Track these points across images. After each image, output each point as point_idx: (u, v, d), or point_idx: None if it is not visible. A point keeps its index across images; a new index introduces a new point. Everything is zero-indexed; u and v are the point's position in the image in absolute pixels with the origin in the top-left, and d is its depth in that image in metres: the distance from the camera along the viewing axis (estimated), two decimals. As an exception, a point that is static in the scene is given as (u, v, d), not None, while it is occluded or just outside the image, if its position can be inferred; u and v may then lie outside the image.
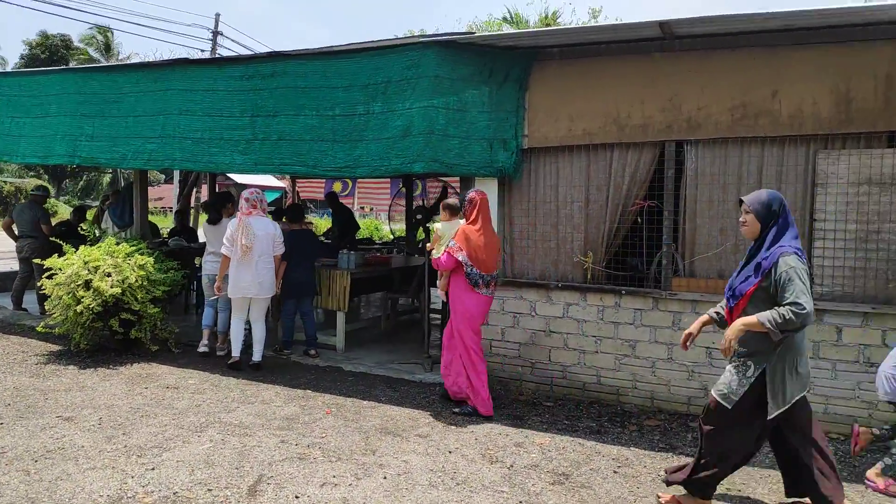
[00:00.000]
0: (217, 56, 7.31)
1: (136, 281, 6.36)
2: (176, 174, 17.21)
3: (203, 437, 4.54)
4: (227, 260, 6.21)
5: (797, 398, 3.28)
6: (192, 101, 6.60)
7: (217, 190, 13.19)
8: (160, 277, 6.68)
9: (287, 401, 5.44)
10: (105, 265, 6.36)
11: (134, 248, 6.80)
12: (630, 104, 5.28)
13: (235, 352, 6.33)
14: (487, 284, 5.14)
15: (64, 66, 7.84)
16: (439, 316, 7.10)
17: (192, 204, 16.35)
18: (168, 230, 12.40)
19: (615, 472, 4.17)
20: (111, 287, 6.22)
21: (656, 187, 5.32)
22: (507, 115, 5.62)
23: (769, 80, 4.86)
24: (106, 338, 6.86)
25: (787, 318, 3.07)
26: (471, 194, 5.19)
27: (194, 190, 16.13)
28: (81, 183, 38.40)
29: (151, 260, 6.62)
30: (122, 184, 31.44)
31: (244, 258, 6.05)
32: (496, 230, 5.80)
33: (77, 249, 6.68)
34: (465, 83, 5.59)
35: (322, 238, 10.83)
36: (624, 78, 5.30)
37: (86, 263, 6.40)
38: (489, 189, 5.82)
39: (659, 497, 3.72)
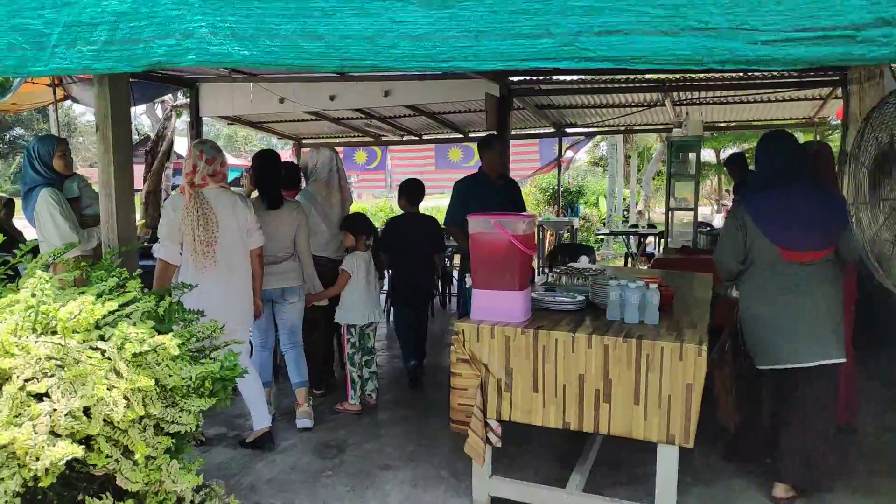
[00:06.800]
0: None
1: (132, 409, 2.06)
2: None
3: None
4: (169, 269, 3.64)
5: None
6: None
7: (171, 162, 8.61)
8: (193, 375, 2.34)
9: None
10: (28, 368, 2.02)
11: (115, 295, 2.40)
12: None
13: (261, 423, 4.02)
14: None
15: None
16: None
17: (164, 182, 11.83)
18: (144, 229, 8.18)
19: None
20: (51, 441, 1.91)
21: None
22: None
23: None
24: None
25: None
26: None
27: (165, 165, 11.63)
28: (14, 166, 31.99)
29: (171, 339, 2.21)
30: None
31: (202, 263, 3.56)
32: None
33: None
34: None
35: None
36: None
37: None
38: None
39: None
